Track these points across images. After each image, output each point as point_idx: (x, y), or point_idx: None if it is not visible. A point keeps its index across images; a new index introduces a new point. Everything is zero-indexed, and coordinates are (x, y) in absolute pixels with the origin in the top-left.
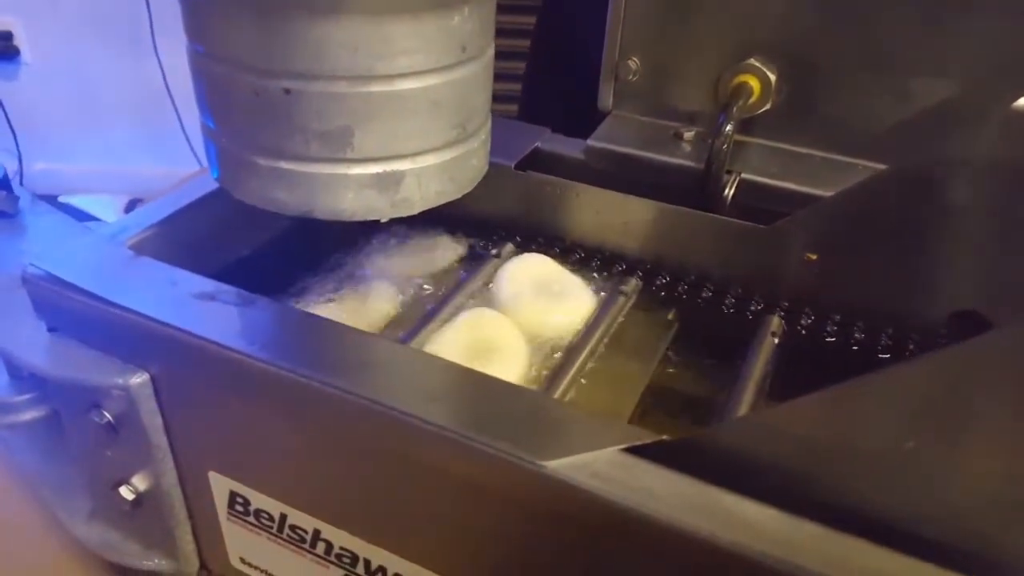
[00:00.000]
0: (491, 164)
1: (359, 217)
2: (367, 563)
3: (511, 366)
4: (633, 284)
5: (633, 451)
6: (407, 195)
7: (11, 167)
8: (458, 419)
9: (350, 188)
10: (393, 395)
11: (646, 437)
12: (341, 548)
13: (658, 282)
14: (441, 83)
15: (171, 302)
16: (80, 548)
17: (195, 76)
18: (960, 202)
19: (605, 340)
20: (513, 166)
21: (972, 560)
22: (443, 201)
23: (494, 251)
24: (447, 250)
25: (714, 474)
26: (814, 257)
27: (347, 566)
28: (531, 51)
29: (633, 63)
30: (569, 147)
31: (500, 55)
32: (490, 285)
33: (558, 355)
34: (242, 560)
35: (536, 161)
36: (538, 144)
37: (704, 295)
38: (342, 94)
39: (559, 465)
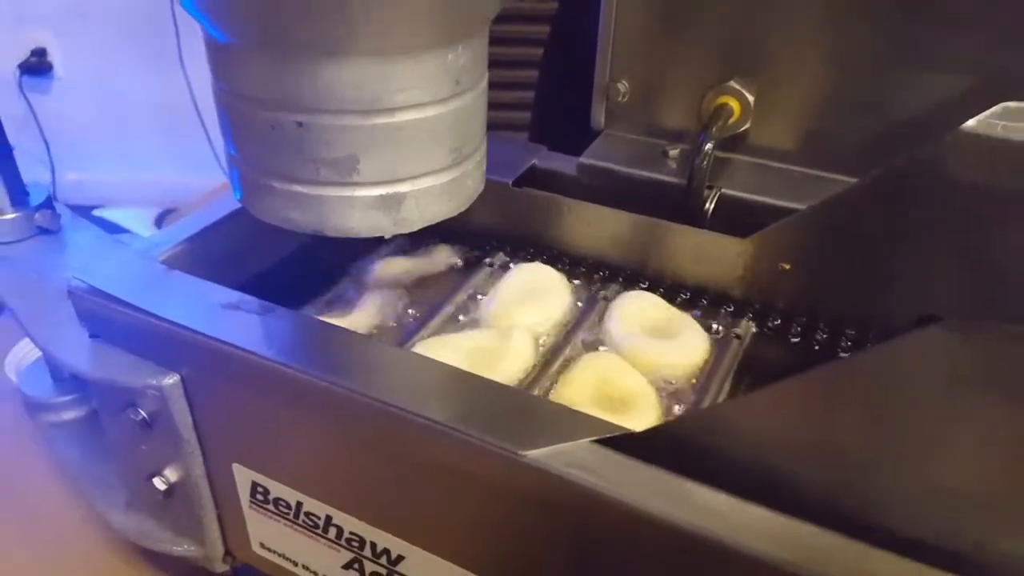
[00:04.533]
0: (491, 181)
1: (364, 234)
2: (373, 546)
3: (646, 419)
4: (744, 325)
5: (604, 442)
6: (407, 214)
7: (44, 178)
8: (449, 415)
9: (356, 208)
10: (392, 394)
11: (616, 430)
12: (351, 533)
13: (638, 287)
14: (437, 114)
15: (199, 311)
16: (117, 537)
17: (219, 110)
18: (921, 215)
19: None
20: (511, 183)
21: (926, 547)
22: (441, 218)
23: (488, 260)
24: (449, 260)
25: (679, 463)
26: (787, 267)
27: (355, 549)
28: (543, 60)
29: (622, 85)
30: (564, 164)
31: (513, 63)
32: (601, 323)
33: (678, 407)
34: (262, 546)
35: (534, 177)
36: (535, 162)
37: (680, 299)
38: (348, 126)
39: (537, 455)
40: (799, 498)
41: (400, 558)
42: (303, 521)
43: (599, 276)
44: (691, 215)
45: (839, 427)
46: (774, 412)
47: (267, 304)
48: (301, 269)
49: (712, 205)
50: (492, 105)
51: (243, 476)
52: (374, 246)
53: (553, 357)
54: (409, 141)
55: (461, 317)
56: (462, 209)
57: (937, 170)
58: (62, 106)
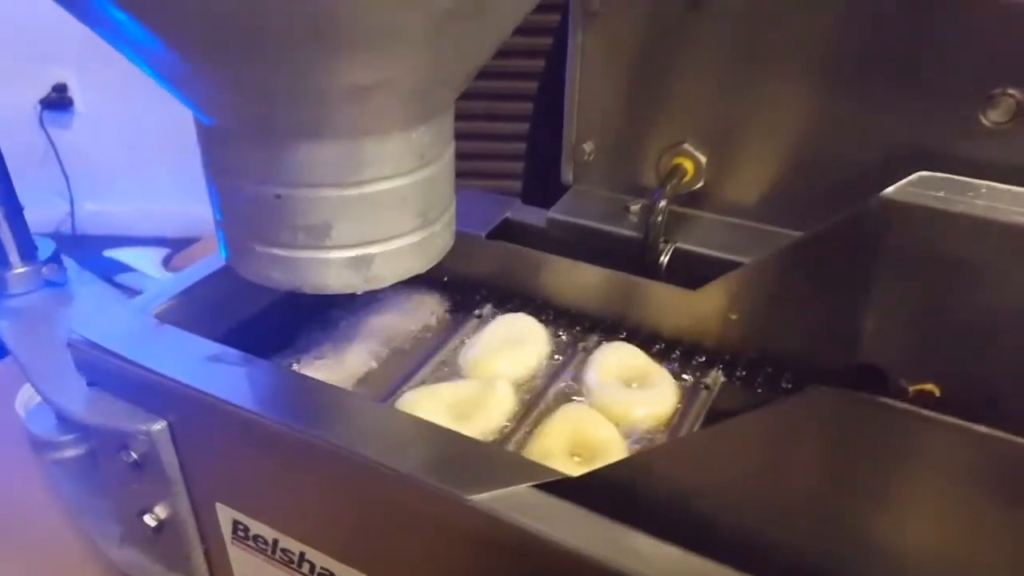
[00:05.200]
0: (467, 233)
1: (338, 291)
2: None
3: None
4: (713, 376)
5: (543, 487)
6: (378, 272)
7: (63, 209)
8: (406, 463)
9: (330, 269)
10: (356, 442)
11: (555, 475)
12: (322, 568)
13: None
14: (403, 185)
15: (184, 363)
16: (115, 570)
17: (207, 180)
18: (850, 272)
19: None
20: (485, 235)
21: None
22: (411, 275)
23: (476, 312)
24: (432, 310)
25: (615, 507)
26: (735, 317)
27: None
28: (533, 113)
29: (587, 146)
30: (534, 217)
31: (509, 96)
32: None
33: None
34: None
35: (508, 230)
36: (508, 215)
37: (657, 348)
38: (322, 198)
39: (481, 498)
40: (714, 541)
41: None
42: (279, 557)
43: (579, 328)
44: (648, 268)
45: (738, 477)
46: (685, 460)
47: (247, 356)
48: (290, 320)
49: (667, 258)
50: (490, 155)
51: (225, 514)
52: (363, 297)
53: (531, 408)
54: (378, 209)
55: (446, 368)
56: (431, 265)
57: (860, 232)
58: (82, 140)
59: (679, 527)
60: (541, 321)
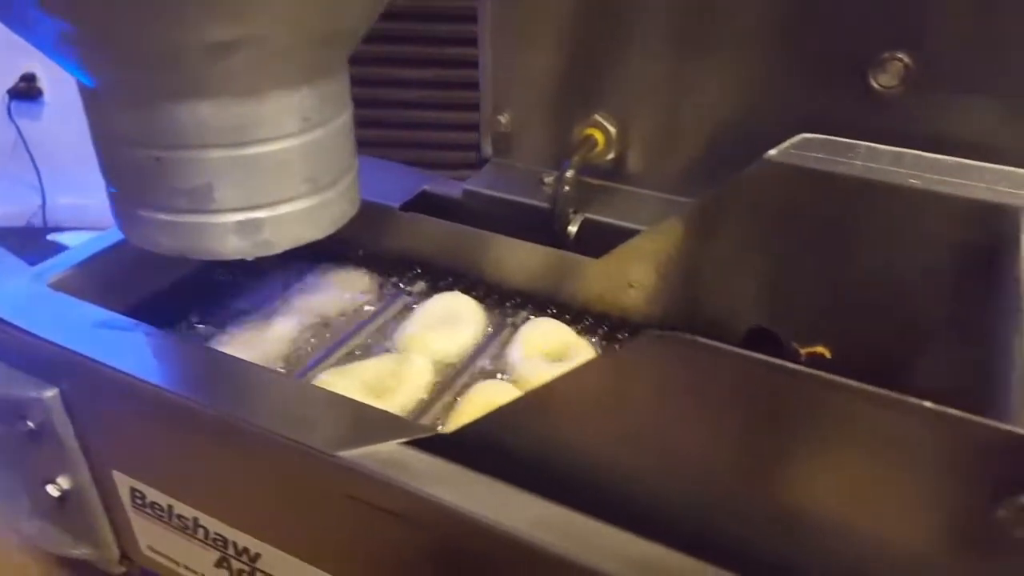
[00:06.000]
0: (380, 205)
1: (227, 256)
2: (235, 544)
3: None
4: None
5: (413, 443)
6: (267, 238)
7: (35, 202)
8: (279, 422)
9: (215, 233)
10: (232, 405)
11: (425, 431)
12: (215, 533)
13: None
14: (285, 148)
15: (73, 330)
16: (29, 543)
17: (94, 146)
18: (739, 235)
19: None
20: (399, 207)
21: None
22: (305, 241)
23: (408, 289)
24: (360, 287)
25: (490, 462)
26: (634, 286)
27: (221, 548)
28: None
29: (504, 117)
30: (452, 190)
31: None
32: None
33: None
34: (150, 548)
35: (427, 202)
36: (426, 187)
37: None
38: (200, 159)
39: (350, 455)
40: (576, 491)
41: (257, 555)
42: (175, 523)
43: (511, 304)
44: (557, 238)
45: (585, 426)
46: (537, 411)
47: (136, 323)
48: (206, 295)
49: (576, 228)
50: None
51: (123, 482)
52: (289, 272)
53: (452, 384)
54: (261, 172)
55: (372, 346)
56: (327, 232)
57: (745, 196)
58: (52, 131)
59: (545, 478)
60: (475, 298)
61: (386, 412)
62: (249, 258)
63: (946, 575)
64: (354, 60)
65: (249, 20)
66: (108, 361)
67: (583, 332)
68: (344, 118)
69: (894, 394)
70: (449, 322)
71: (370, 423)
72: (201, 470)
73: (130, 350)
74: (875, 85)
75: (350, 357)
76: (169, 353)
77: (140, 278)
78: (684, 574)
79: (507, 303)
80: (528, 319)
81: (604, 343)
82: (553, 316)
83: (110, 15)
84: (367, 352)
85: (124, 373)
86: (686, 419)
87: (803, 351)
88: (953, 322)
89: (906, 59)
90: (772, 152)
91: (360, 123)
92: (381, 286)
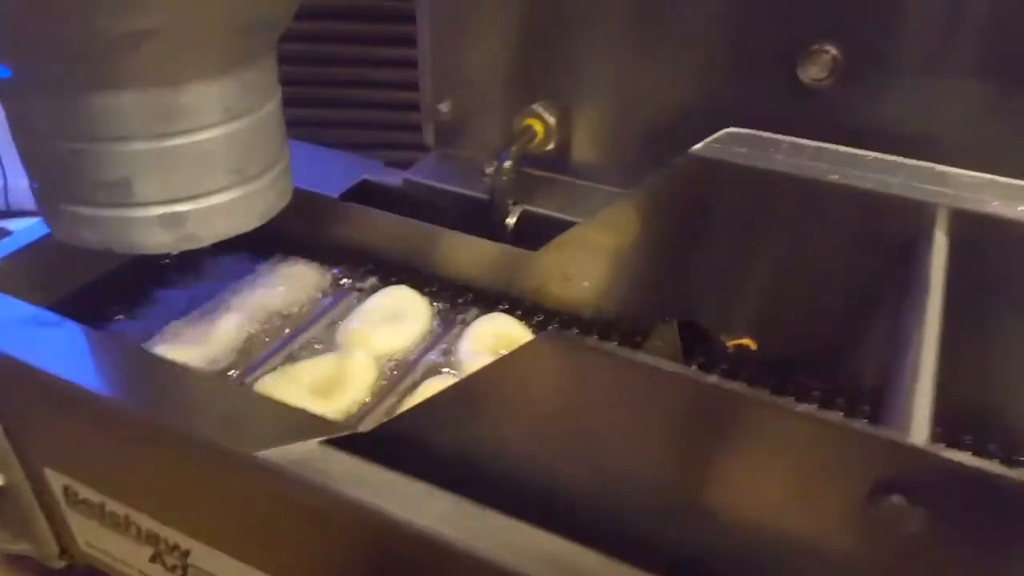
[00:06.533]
0: (320, 195)
1: (151, 251)
2: (165, 541)
3: None
4: None
5: (332, 442)
6: (192, 231)
7: None
8: (200, 423)
9: (138, 227)
10: (154, 404)
11: (344, 430)
12: (147, 530)
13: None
14: (207, 139)
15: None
16: None
17: (13, 139)
18: (667, 229)
19: None
20: (338, 197)
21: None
22: (233, 234)
23: (358, 285)
24: (310, 282)
25: (407, 460)
26: (569, 279)
27: (152, 544)
28: None
29: (444, 106)
30: (393, 179)
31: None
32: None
33: None
34: (88, 544)
35: (368, 192)
36: (367, 177)
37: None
38: (118, 152)
39: (267, 454)
40: (491, 488)
41: (188, 551)
42: (109, 520)
43: (463, 300)
44: (495, 230)
45: (494, 423)
46: (451, 408)
47: (58, 318)
48: (148, 292)
49: (514, 220)
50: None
51: (56, 479)
52: (236, 267)
53: (399, 381)
54: (181, 164)
55: (319, 343)
56: (255, 225)
57: (671, 189)
58: None
59: (462, 475)
60: (427, 294)
61: (306, 412)
62: (173, 252)
63: (848, 561)
64: (292, 38)
65: (155, 11)
66: (30, 360)
67: (537, 328)
68: (270, 107)
69: (761, 395)
70: (393, 318)
71: (290, 423)
72: (130, 469)
73: (54, 348)
74: (804, 78)
75: (298, 355)
76: (93, 352)
77: (78, 269)
78: (596, 571)
79: (459, 299)
80: (478, 316)
81: None
82: (505, 312)
83: (11, 4)
84: (314, 350)
85: (46, 373)
86: (577, 417)
87: (730, 343)
88: (873, 317)
89: (834, 51)
90: (697, 147)
91: (300, 102)
92: (332, 281)
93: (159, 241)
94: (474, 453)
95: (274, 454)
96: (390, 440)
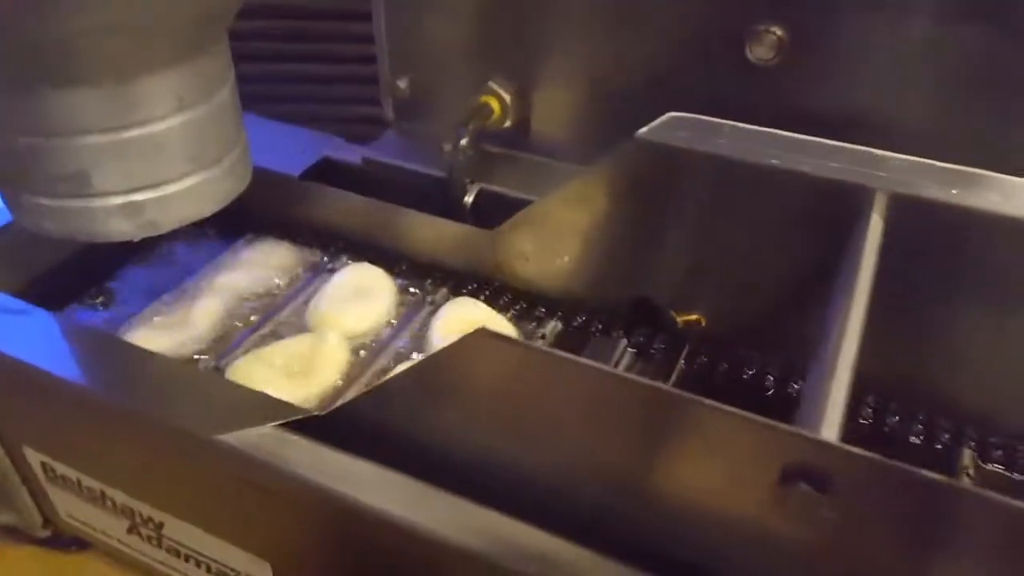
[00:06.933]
0: (281, 175)
1: (113, 239)
2: (140, 514)
3: None
4: (552, 326)
5: (288, 425)
6: (152, 218)
7: None
8: (163, 406)
9: (98, 217)
10: (118, 389)
11: (301, 414)
12: (122, 503)
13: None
14: (161, 130)
15: None
16: None
17: None
18: (620, 210)
19: None
20: (299, 176)
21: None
22: (193, 219)
23: (329, 265)
24: (283, 263)
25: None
26: (528, 257)
27: (129, 517)
28: None
29: (402, 82)
30: (353, 156)
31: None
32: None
33: None
34: (69, 515)
35: (330, 170)
36: (328, 154)
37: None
38: (72, 146)
39: (226, 437)
40: (444, 471)
41: (161, 524)
42: (86, 495)
43: (431, 281)
44: (452, 208)
45: (437, 410)
46: (405, 392)
47: (25, 304)
48: (122, 275)
49: (471, 199)
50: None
51: (34, 457)
52: (207, 248)
53: (370, 365)
54: (136, 155)
55: (292, 324)
56: (216, 209)
57: (620, 172)
58: None
59: (417, 457)
60: (393, 273)
61: (267, 395)
62: (135, 239)
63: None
64: (251, 14)
65: (108, 8)
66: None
67: (503, 309)
68: (224, 93)
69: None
70: (359, 296)
71: (249, 405)
72: (102, 450)
73: (24, 335)
74: (751, 58)
75: (270, 337)
76: (59, 337)
77: (46, 253)
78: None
79: (427, 280)
80: (448, 297)
81: (522, 320)
82: (473, 292)
83: None
84: (288, 331)
85: (15, 359)
86: (513, 406)
87: (680, 319)
88: (812, 296)
89: (779, 32)
90: (642, 131)
91: (262, 78)
92: (303, 261)
93: (120, 229)
94: (426, 437)
95: (233, 438)
96: (346, 423)
